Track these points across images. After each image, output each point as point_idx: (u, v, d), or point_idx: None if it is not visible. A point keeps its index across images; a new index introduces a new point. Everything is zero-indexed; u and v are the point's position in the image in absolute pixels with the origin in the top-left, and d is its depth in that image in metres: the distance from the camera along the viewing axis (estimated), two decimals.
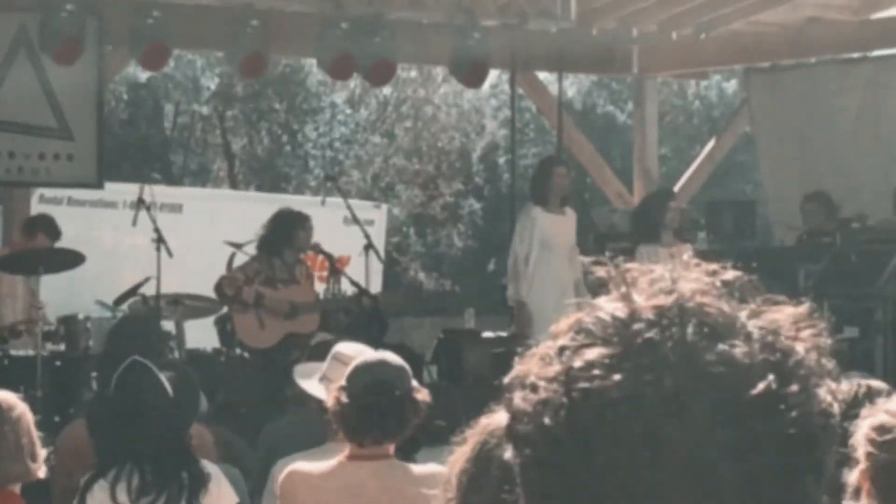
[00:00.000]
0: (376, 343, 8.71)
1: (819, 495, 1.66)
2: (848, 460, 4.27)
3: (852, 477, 4.24)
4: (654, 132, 19.06)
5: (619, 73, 19.95)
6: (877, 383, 5.28)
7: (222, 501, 6.76)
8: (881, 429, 4.23)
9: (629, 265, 1.71)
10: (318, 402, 7.24)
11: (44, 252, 13.18)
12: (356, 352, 7.13)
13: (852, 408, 4.62)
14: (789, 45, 17.66)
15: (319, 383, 7.28)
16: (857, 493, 4.27)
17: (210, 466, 6.81)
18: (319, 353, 7.80)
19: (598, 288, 1.70)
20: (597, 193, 18.75)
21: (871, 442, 4.21)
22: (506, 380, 1.69)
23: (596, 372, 1.61)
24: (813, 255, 14.57)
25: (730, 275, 1.69)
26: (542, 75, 18.50)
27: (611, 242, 14.48)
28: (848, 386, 5.19)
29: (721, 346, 1.62)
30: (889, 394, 4.84)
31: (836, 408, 1.67)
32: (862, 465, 4.23)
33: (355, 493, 5.90)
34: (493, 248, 23.29)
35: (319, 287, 13.89)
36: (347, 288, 13.76)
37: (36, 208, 15.81)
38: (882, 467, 4.21)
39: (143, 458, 6.71)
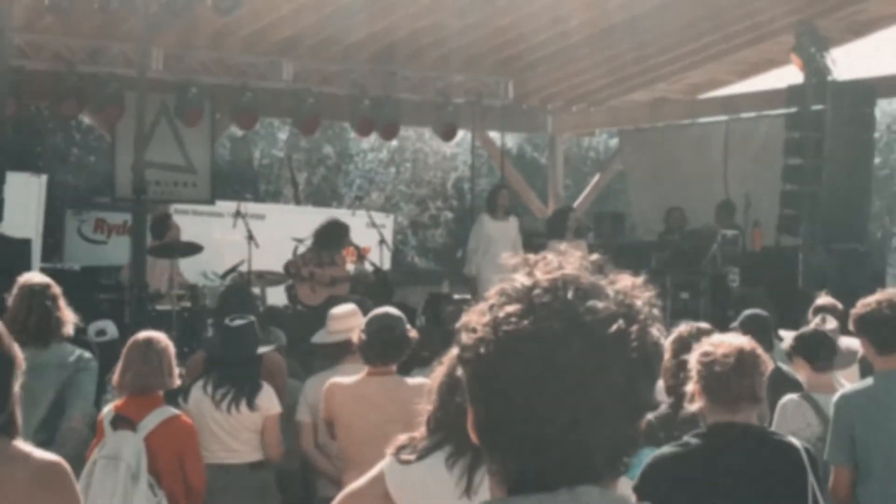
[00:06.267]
0: (385, 301, 8.66)
1: (652, 395, 1.68)
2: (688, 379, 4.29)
3: (689, 387, 4.26)
4: (561, 169, 19.10)
5: (539, 132, 19.94)
6: (706, 325, 5.30)
7: (270, 407, 6.78)
8: (705, 354, 4.25)
9: (533, 255, 1.72)
10: (319, 347, 7.29)
11: (178, 244, 13.17)
12: (343, 310, 7.17)
13: (689, 343, 4.64)
14: (647, 114, 17.71)
15: (326, 334, 7.25)
16: (692, 398, 4.28)
17: (265, 384, 6.83)
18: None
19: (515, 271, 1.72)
20: (524, 208, 18.71)
21: (699, 363, 4.23)
22: (457, 325, 1.70)
23: (512, 319, 1.62)
24: (661, 247, 14.60)
25: (596, 257, 1.71)
26: (492, 133, 18.52)
27: (533, 238, 14.45)
28: (686, 328, 5.20)
29: (590, 302, 1.63)
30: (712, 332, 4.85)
31: (662, 340, 1.69)
32: (694, 379, 4.24)
33: (371, 396, 5.89)
34: (460, 243, 23.23)
35: (350, 266, 13.85)
36: (369, 267, 13.74)
37: (173, 218, 15.76)
38: (705, 379, 4.23)
39: (224, 369, 6.76)
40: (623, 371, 1.61)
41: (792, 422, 6.16)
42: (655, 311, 1.67)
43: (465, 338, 1.66)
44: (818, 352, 6.44)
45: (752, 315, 7.11)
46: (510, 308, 1.64)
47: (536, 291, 1.64)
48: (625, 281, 1.69)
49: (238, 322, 6.94)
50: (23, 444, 3.20)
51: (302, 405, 6.78)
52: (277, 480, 6.99)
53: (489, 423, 1.65)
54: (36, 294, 6.08)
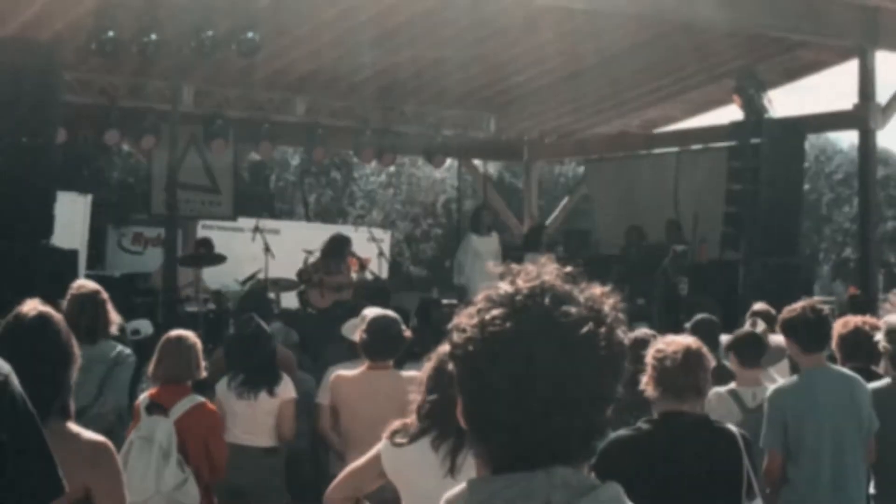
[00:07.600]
0: (383, 305, 8.65)
1: (617, 388, 1.67)
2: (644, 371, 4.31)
3: (644, 380, 4.27)
4: (535, 192, 19.07)
5: (516, 161, 19.95)
6: (651, 331, 5.32)
7: (287, 393, 6.76)
8: (658, 351, 4.28)
9: (515, 266, 1.72)
10: (351, 342, 7.23)
11: (204, 254, 13.12)
12: (376, 312, 7.10)
13: (643, 345, 4.65)
14: (609, 146, 17.72)
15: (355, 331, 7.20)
16: (646, 388, 4.29)
17: (283, 374, 6.81)
18: (354, 310, 7.73)
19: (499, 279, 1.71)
20: (503, 226, 18.71)
21: (653, 358, 4.26)
22: (448, 326, 1.70)
23: (497, 321, 1.62)
24: (621, 260, 14.59)
25: (569, 269, 1.71)
26: (476, 161, 18.52)
27: (511, 251, 14.43)
28: (642, 332, 5.22)
29: (564, 307, 1.62)
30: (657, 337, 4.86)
31: (626, 340, 1.68)
32: (648, 373, 4.26)
33: (371, 387, 5.88)
34: (448, 254, 23.23)
35: (354, 275, 13.81)
36: (369, 275, 13.71)
37: (200, 232, 15.77)
38: (657, 372, 4.25)
39: (245, 365, 6.74)
40: (592, 367, 1.61)
41: (716, 411, 6.19)
42: (620, 315, 1.68)
43: (456, 337, 1.66)
44: (746, 350, 6.49)
45: (701, 319, 7.18)
46: (495, 312, 1.63)
47: (518, 297, 1.64)
48: (594, 289, 1.69)
49: (250, 329, 6.90)
50: (74, 426, 3.22)
51: (321, 390, 6.76)
52: (289, 460, 6.97)
53: (475, 411, 1.65)
54: (87, 298, 6.17)
